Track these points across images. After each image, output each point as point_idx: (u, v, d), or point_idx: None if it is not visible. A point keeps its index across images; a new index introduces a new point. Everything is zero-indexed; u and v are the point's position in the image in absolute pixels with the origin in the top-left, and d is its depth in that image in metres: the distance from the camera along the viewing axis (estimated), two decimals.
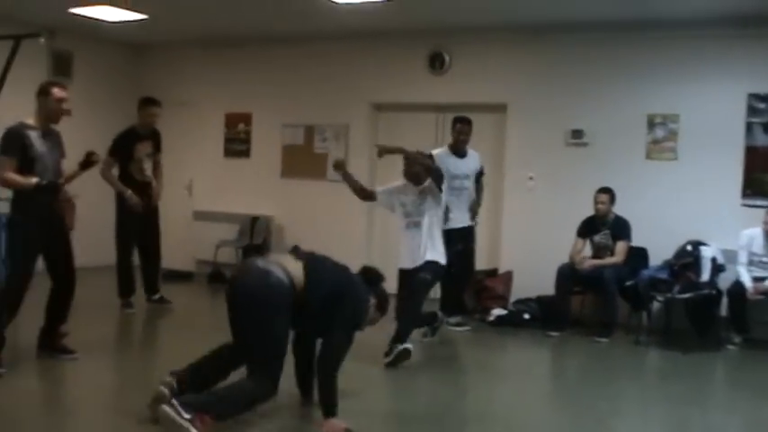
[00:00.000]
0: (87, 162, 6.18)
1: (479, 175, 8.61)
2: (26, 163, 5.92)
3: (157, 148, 8.63)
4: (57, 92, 6.07)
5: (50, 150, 6.10)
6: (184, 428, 4.40)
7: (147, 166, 8.51)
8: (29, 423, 5.14)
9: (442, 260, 7.07)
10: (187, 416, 4.44)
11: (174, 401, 4.54)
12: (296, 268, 4.92)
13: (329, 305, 4.93)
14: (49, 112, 6.09)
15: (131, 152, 8.37)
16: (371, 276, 5.32)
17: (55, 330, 6.31)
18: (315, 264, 5.07)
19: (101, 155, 6.56)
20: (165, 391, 4.86)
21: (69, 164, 6.33)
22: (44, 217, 6.05)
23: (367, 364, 6.64)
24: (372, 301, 5.24)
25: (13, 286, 6.03)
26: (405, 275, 7.10)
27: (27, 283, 6.05)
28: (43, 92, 6.08)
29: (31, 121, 6.06)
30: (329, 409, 4.85)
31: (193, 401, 4.57)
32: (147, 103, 8.57)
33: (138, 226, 8.45)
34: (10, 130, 5.99)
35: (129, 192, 8.23)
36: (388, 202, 7.22)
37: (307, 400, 5.37)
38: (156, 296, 8.82)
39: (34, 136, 5.99)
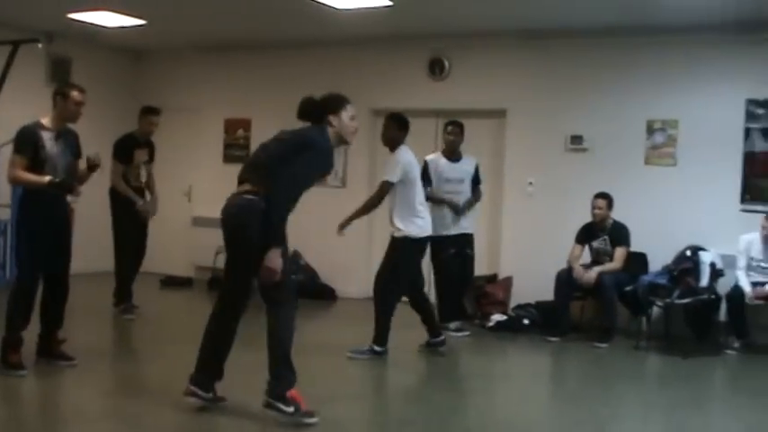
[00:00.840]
0: (90, 167, 6.27)
1: (476, 183, 8.62)
2: (37, 163, 5.94)
3: (151, 157, 8.72)
4: (76, 95, 6.12)
5: (62, 152, 6.11)
6: (299, 422, 4.85)
7: (143, 173, 8.61)
8: (28, 430, 5.14)
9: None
10: (290, 409, 4.85)
11: (269, 400, 4.89)
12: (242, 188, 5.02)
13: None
14: (68, 115, 6.14)
15: (131, 157, 8.45)
16: (308, 108, 5.34)
17: (52, 336, 6.29)
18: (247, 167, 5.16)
19: (101, 156, 6.50)
20: (193, 400, 5.13)
21: (82, 164, 6.36)
22: (50, 217, 6.06)
23: (365, 370, 6.63)
24: (332, 117, 5.24)
25: (23, 286, 6.04)
26: None
27: (37, 282, 6.09)
28: (62, 94, 6.10)
29: (45, 121, 6.09)
30: (271, 238, 4.91)
31: (275, 388, 4.90)
32: (149, 111, 8.68)
33: (134, 232, 8.52)
34: (24, 130, 6.02)
35: (141, 201, 8.44)
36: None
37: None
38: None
39: (47, 137, 6.01)
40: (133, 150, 8.48)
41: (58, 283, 6.23)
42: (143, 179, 8.62)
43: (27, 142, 5.95)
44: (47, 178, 5.89)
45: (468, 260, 8.50)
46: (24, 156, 5.92)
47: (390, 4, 8.26)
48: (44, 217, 6.02)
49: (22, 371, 5.93)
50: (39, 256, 6.04)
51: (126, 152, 8.45)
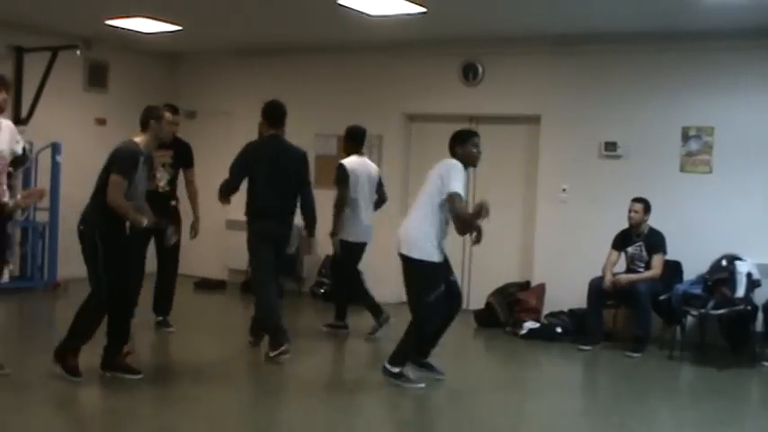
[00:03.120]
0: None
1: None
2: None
3: (184, 161, 8.28)
4: (169, 116, 6.34)
5: (145, 176, 6.16)
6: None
7: (161, 176, 8.01)
8: None
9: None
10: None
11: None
12: None
13: None
14: (163, 136, 6.25)
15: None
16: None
17: (118, 350, 6.24)
18: None
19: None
20: None
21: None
22: (127, 235, 6.12)
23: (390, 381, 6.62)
24: None
25: (98, 304, 6.00)
26: None
27: (109, 302, 6.03)
28: (157, 117, 6.09)
29: (139, 142, 6.04)
30: None
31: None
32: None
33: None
34: (130, 150, 5.95)
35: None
36: None
37: None
38: (159, 318, 8.23)
39: (141, 161, 6.00)
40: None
41: (125, 298, 6.18)
42: (161, 183, 8.01)
43: (133, 164, 5.90)
44: (144, 222, 5.97)
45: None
46: (127, 178, 5.84)
47: (424, 10, 8.25)
48: (123, 235, 6.02)
49: (77, 377, 5.95)
50: (113, 275, 5.97)
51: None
